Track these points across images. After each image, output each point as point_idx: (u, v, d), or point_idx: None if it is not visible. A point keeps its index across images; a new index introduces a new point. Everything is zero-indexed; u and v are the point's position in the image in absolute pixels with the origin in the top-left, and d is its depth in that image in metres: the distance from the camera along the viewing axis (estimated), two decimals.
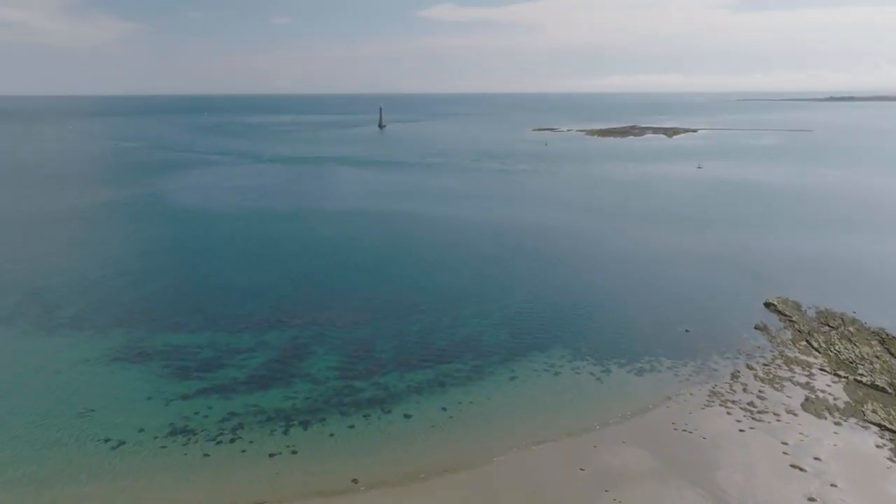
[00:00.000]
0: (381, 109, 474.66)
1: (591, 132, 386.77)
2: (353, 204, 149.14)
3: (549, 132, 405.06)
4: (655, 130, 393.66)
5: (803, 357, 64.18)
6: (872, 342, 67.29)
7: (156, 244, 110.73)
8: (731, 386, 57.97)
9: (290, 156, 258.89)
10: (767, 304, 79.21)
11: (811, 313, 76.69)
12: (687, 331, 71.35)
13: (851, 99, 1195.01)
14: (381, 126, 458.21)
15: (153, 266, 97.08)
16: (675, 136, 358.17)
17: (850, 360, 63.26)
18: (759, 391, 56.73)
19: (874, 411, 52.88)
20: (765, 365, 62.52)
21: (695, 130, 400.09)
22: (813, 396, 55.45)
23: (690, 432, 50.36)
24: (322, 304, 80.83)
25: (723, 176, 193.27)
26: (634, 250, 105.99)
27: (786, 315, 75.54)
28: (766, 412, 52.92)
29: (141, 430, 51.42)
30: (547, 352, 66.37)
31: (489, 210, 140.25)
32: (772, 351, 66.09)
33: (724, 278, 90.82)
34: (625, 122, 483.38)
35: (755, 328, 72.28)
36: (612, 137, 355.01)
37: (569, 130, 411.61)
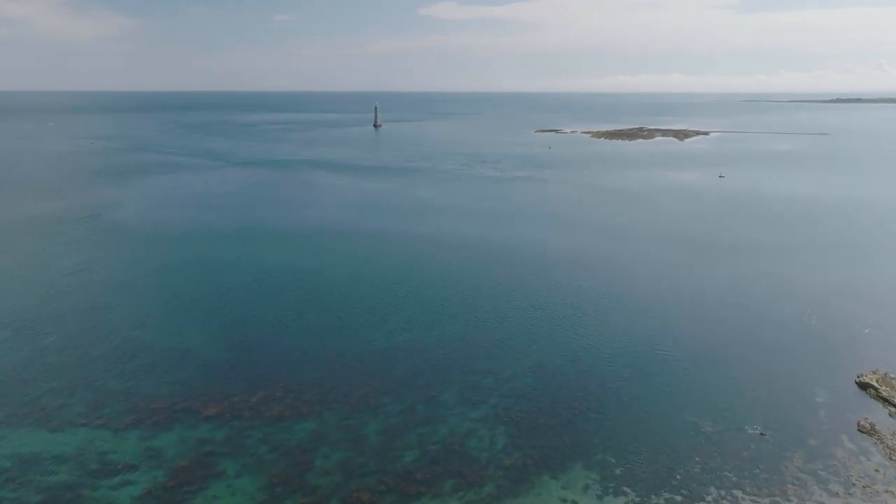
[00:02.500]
0: (376, 108, 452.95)
1: (598, 134, 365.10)
2: (316, 220, 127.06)
3: (552, 133, 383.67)
4: (665, 133, 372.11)
5: None
6: None
7: (64, 278, 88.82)
8: None
9: (267, 159, 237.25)
10: (863, 385, 57.95)
11: None
12: (762, 434, 50.12)
13: (859, 101, 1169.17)
14: (376, 126, 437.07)
15: (47, 314, 75.31)
16: (686, 140, 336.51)
17: None
18: None
19: None
20: None
21: (706, 133, 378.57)
22: None
23: None
24: (254, 377, 59.57)
25: (750, 187, 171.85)
26: (664, 292, 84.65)
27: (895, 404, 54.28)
28: None
29: None
30: (564, 476, 45.10)
31: (479, 231, 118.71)
32: None
33: (792, 338, 69.51)
34: (631, 124, 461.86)
35: (858, 430, 51.00)
36: (619, 140, 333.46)
37: (573, 132, 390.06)
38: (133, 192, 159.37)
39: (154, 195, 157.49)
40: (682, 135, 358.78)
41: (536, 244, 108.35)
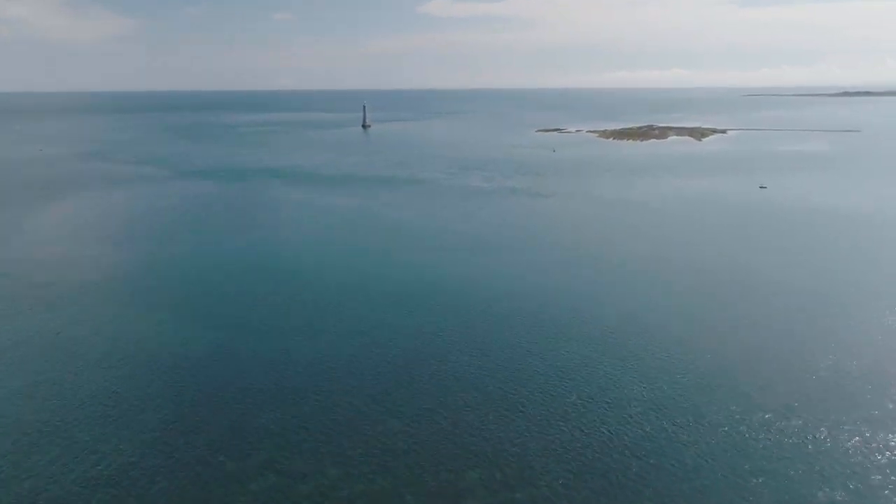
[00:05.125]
0: (364, 108, 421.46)
1: (605, 134, 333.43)
2: (248, 259, 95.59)
3: (554, 133, 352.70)
4: (679, 131, 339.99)
5: None
6: None
7: None
8: None
9: (227, 167, 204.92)
10: None
11: None
12: None
13: (868, 94, 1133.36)
14: (364, 126, 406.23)
15: None
16: (704, 139, 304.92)
17: None
18: None
19: None
20: None
21: (723, 131, 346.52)
22: None
23: None
24: None
25: (803, 203, 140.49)
26: (721, 374, 53.41)
27: None
28: None
29: None
30: None
31: (463, 274, 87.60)
32: None
33: None
34: (639, 121, 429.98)
35: None
36: (630, 140, 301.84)
37: (578, 131, 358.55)
38: (39, 217, 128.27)
39: (64, 220, 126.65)
40: (697, 133, 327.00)
41: (538, 294, 77.20)
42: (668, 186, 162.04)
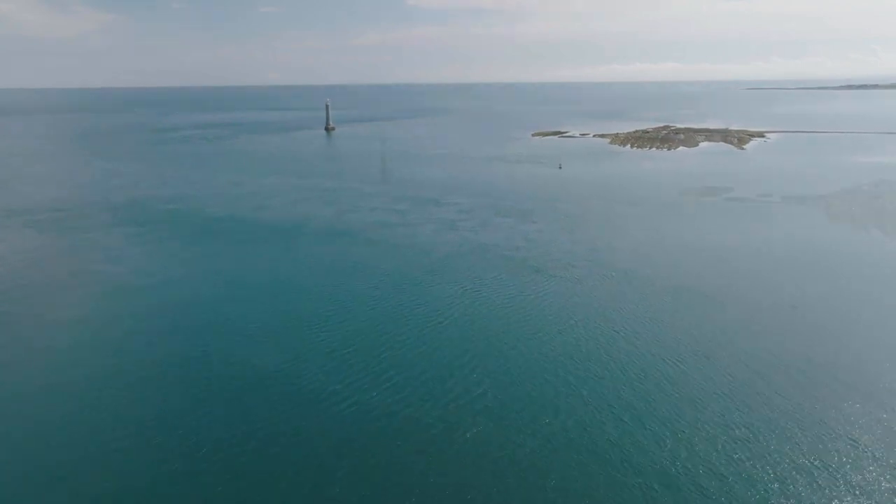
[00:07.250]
0: (327, 108, 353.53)
1: (618, 139, 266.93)
2: None
3: (555, 137, 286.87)
4: (709, 135, 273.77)
5: None
6: None
7: None
8: None
9: (66, 200, 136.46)
10: None
11: None
12: None
13: (875, 87, 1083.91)
14: (327, 129, 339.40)
15: None
16: (745, 147, 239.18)
17: None
18: None
19: None
20: None
21: (762, 135, 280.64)
22: None
23: None
24: None
25: None
26: None
27: None
28: None
29: None
30: None
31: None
32: None
33: None
34: (651, 121, 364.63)
35: None
36: (652, 149, 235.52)
37: (584, 135, 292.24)
38: None
39: None
40: (733, 139, 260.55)
41: None
42: (750, 242, 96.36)
